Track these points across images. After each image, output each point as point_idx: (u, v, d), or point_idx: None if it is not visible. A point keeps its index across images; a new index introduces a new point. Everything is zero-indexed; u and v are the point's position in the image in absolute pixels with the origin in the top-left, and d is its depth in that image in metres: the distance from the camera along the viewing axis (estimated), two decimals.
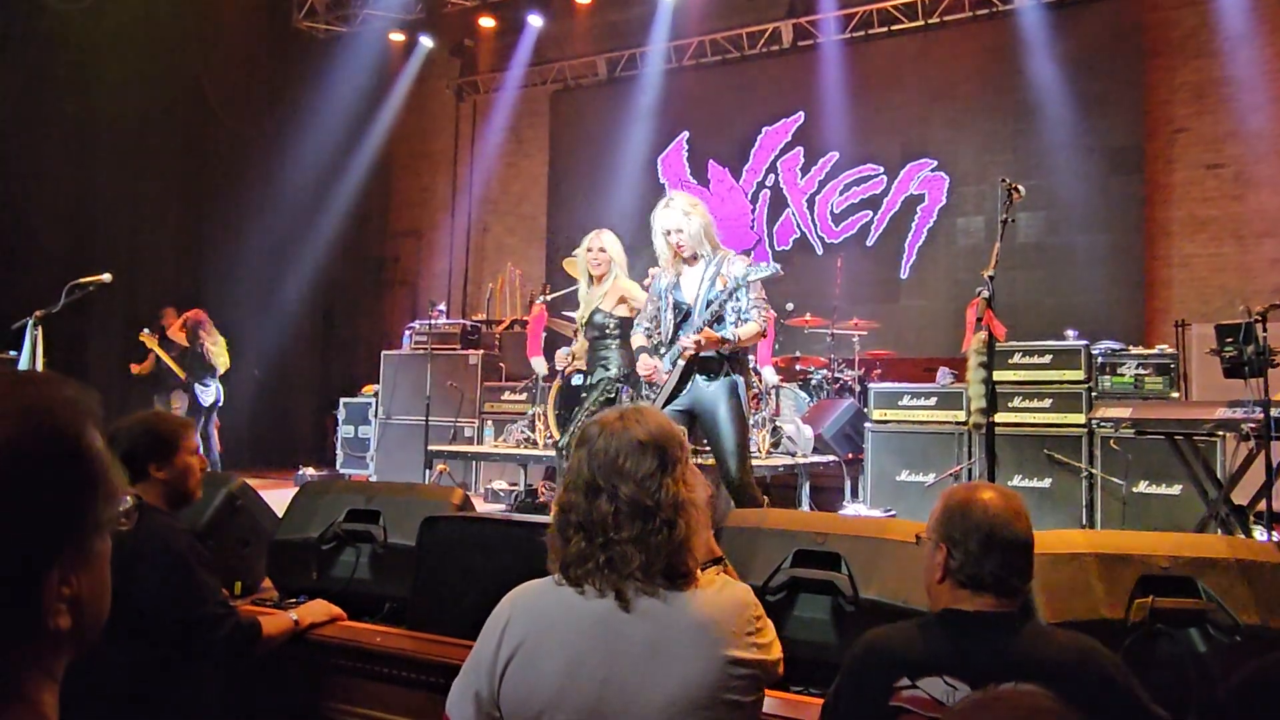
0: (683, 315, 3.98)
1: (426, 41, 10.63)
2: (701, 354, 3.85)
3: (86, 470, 0.77)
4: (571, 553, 1.55)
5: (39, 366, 5.21)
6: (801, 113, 9.44)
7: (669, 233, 3.95)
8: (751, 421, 4.00)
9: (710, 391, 3.88)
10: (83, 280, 5.32)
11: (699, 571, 1.60)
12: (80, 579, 0.78)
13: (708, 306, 3.87)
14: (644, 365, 4.04)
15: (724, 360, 3.89)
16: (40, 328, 5.20)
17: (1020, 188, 3.53)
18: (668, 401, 3.92)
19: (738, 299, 3.87)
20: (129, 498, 0.84)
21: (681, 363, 3.88)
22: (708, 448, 4.04)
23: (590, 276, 4.69)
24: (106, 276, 5.42)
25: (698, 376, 3.90)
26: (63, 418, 0.76)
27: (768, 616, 1.62)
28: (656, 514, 1.52)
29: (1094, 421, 4.99)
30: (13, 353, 5.32)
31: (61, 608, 0.76)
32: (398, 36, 10.57)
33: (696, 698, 1.46)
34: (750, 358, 4.07)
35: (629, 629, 1.50)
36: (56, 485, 0.75)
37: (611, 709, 1.47)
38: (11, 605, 0.73)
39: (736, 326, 3.87)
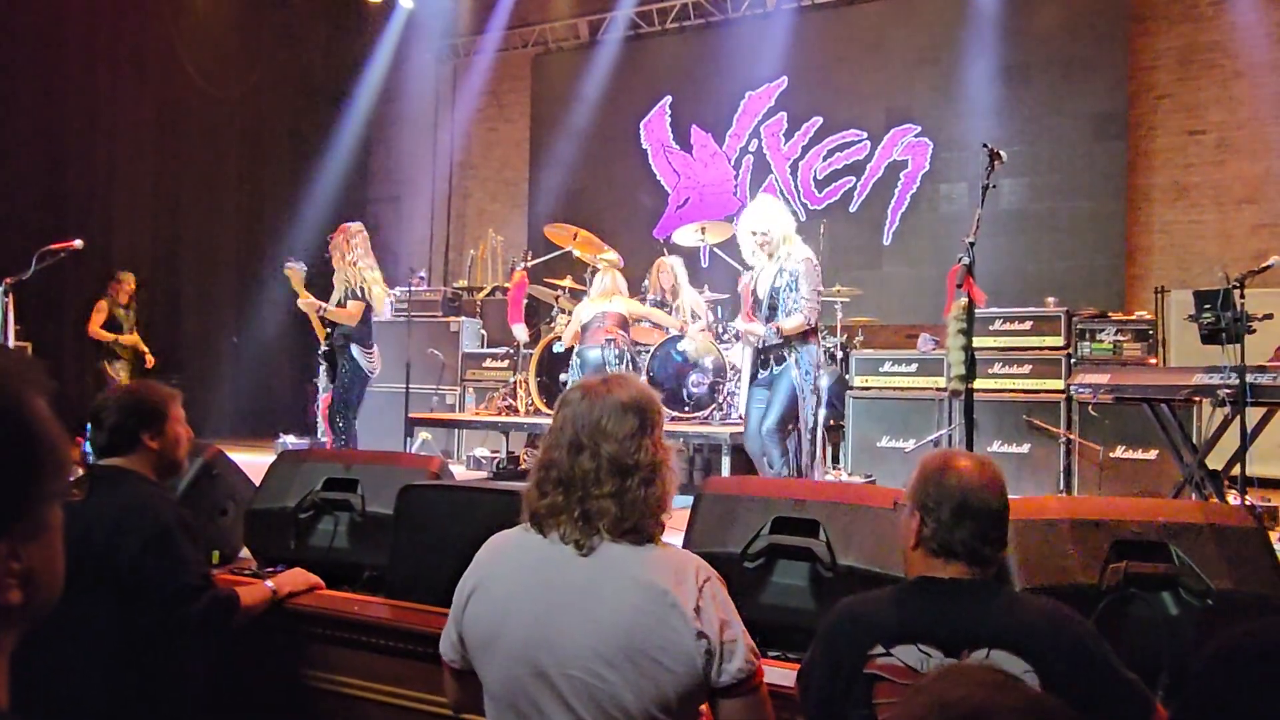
0: (758, 308, 4.56)
1: (406, 3, 10.43)
2: (767, 343, 4.47)
3: (31, 440, 0.75)
4: (545, 504, 1.63)
5: (10, 335, 5.14)
6: (785, 77, 9.35)
7: (754, 233, 4.49)
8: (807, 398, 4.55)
9: (777, 372, 4.48)
10: (53, 247, 5.24)
11: (661, 538, 1.66)
12: (31, 551, 0.75)
13: (770, 299, 4.45)
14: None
15: (785, 347, 4.44)
16: (10, 295, 5.12)
17: (1002, 153, 3.52)
18: (751, 381, 4.61)
19: (792, 291, 4.39)
20: (79, 468, 0.82)
21: (750, 350, 4.54)
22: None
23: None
24: (78, 243, 5.35)
25: (774, 361, 4.50)
26: (4, 387, 0.74)
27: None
28: (636, 472, 1.60)
29: (1073, 387, 5.02)
30: None
31: (12, 582, 0.74)
32: None
33: (624, 645, 1.51)
34: (813, 345, 4.56)
35: (572, 570, 1.58)
36: (1, 457, 0.73)
37: (543, 642, 1.54)
38: None
39: (786, 317, 4.39)
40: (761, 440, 4.49)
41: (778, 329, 4.40)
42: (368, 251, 5.76)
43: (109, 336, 7.33)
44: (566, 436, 1.64)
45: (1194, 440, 4.75)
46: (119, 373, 7.29)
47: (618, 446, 1.60)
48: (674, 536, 2.63)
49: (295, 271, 5.62)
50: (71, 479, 0.80)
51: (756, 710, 1.61)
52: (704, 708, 1.65)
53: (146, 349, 7.52)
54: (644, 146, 10.11)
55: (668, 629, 1.52)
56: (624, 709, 1.51)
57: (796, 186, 9.32)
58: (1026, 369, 6.01)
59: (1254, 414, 4.30)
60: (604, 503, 1.58)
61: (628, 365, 6.04)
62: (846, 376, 6.55)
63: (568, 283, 7.20)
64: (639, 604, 1.53)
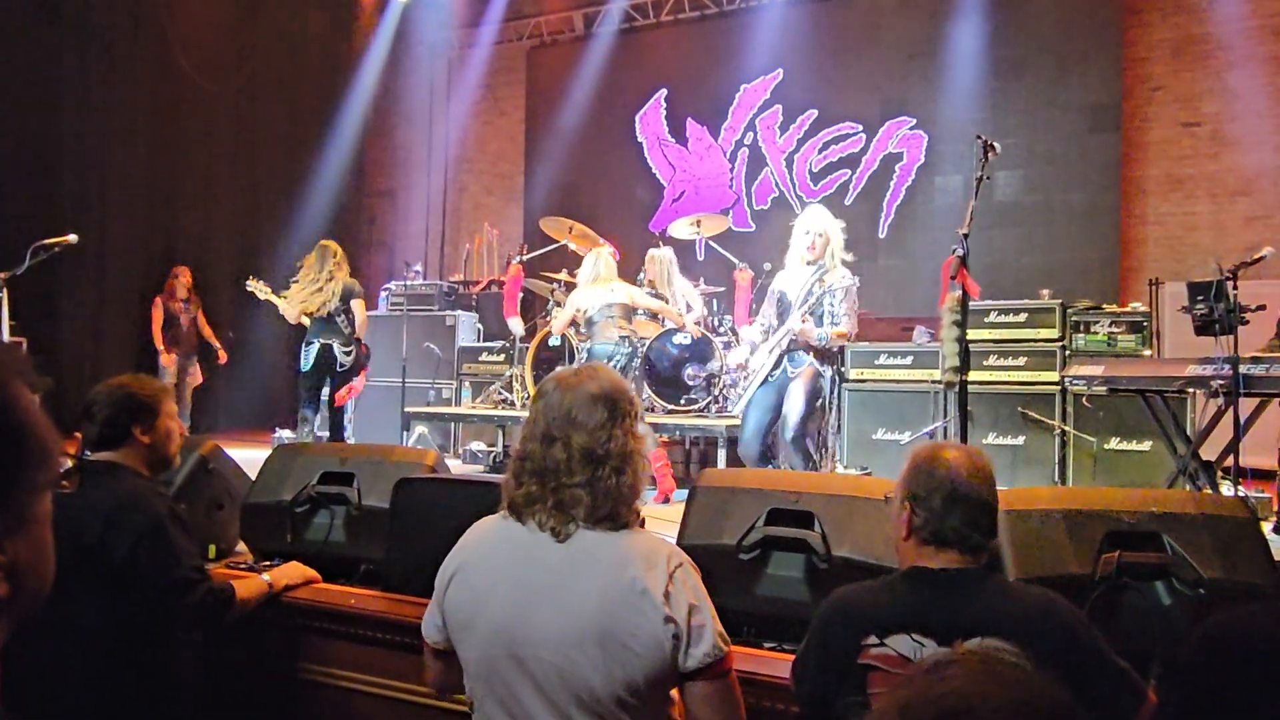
0: (785, 309, 4.67)
1: None
2: (793, 347, 4.57)
3: (15, 429, 0.72)
4: (521, 494, 1.66)
5: (5, 330, 5.13)
6: (780, 70, 9.34)
7: (809, 232, 4.67)
8: (820, 404, 4.69)
9: (792, 375, 4.59)
10: (48, 241, 5.21)
11: (637, 525, 1.69)
12: (17, 545, 0.74)
13: (804, 304, 4.56)
14: (736, 356, 4.98)
15: (809, 353, 4.58)
16: (4, 290, 5.10)
17: (996, 145, 3.52)
18: (763, 380, 4.63)
19: (834, 303, 4.54)
20: (69, 459, 0.80)
21: (779, 349, 4.61)
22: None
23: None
24: (72, 237, 5.31)
25: (788, 363, 4.59)
26: None
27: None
28: (606, 461, 1.63)
29: (1067, 379, 5.04)
30: None
31: None
32: None
33: (595, 630, 1.53)
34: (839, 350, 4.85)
35: (548, 557, 1.61)
36: None
37: (518, 627, 1.58)
38: None
39: (838, 323, 4.56)
40: (784, 447, 4.53)
41: (832, 334, 4.58)
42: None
43: (161, 346, 7.82)
44: (539, 428, 1.67)
45: (1187, 432, 4.77)
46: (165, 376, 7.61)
47: (588, 437, 1.63)
48: (670, 529, 2.64)
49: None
50: (61, 471, 0.79)
51: (724, 695, 1.61)
52: (675, 694, 1.66)
53: (219, 344, 8.27)
54: (639, 140, 10.09)
55: (638, 614, 1.54)
56: (592, 692, 1.53)
57: (792, 179, 9.31)
58: (1021, 361, 6.02)
59: (1247, 405, 4.32)
60: (577, 491, 1.62)
61: (638, 362, 5.94)
62: (842, 369, 6.56)
63: (563, 276, 7.19)
64: (610, 590, 1.56)
